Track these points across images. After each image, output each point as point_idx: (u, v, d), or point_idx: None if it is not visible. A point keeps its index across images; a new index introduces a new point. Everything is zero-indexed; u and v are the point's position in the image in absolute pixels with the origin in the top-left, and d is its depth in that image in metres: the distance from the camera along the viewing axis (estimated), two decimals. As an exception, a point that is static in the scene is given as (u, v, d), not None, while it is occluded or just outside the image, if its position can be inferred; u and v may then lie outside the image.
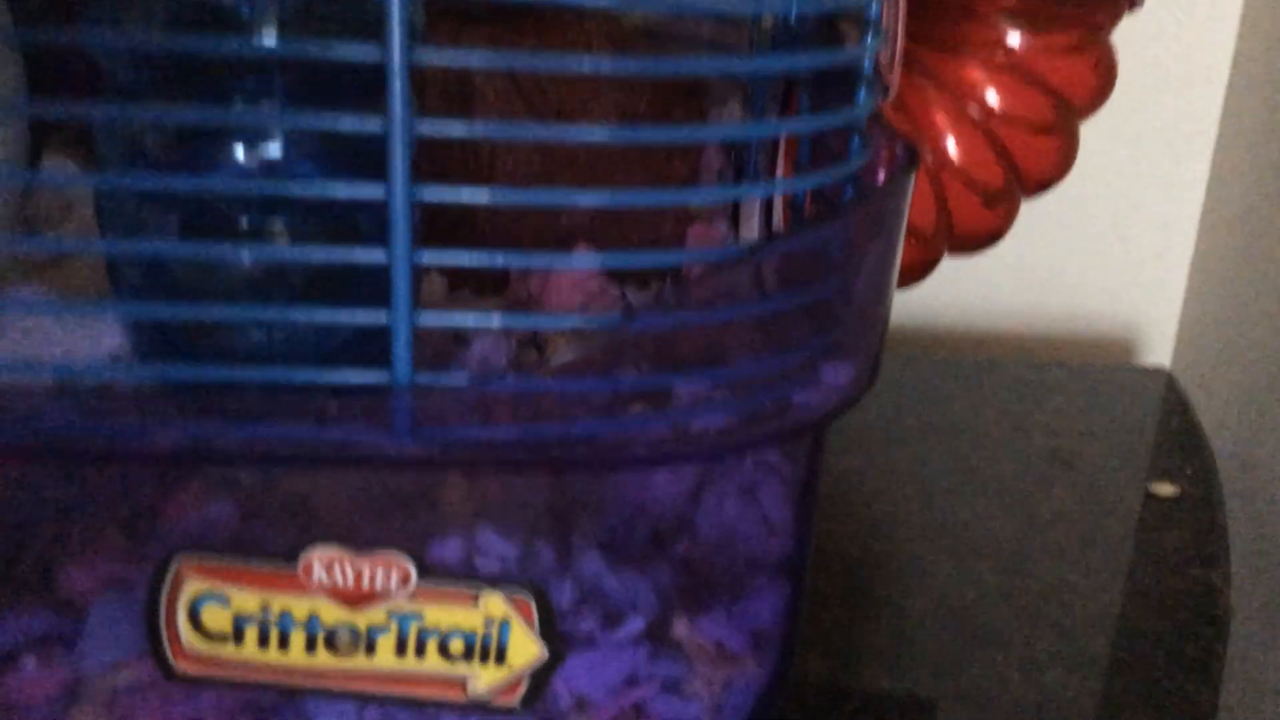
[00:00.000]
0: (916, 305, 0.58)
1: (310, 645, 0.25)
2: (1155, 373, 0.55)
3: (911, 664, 0.36)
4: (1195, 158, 0.54)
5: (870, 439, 0.48)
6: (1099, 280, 0.57)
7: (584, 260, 0.29)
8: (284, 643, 0.25)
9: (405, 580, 0.25)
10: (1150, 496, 0.45)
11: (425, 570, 0.25)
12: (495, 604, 0.25)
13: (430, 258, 0.22)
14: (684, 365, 0.25)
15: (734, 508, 0.29)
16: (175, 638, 0.25)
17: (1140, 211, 0.56)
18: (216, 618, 0.25)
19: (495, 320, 0.23)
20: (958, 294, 0.58)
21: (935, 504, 0.44)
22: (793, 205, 0.31)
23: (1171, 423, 0.51)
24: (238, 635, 0.25)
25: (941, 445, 0.48)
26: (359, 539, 0.25)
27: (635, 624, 0.26)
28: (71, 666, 0.26)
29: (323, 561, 0.25)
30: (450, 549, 0.25)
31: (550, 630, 0.26)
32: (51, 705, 0.26)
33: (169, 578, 0.25)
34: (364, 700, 0.26)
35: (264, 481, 0.25)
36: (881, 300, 0.27)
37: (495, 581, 0.25)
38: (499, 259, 0.23)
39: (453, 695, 0.26)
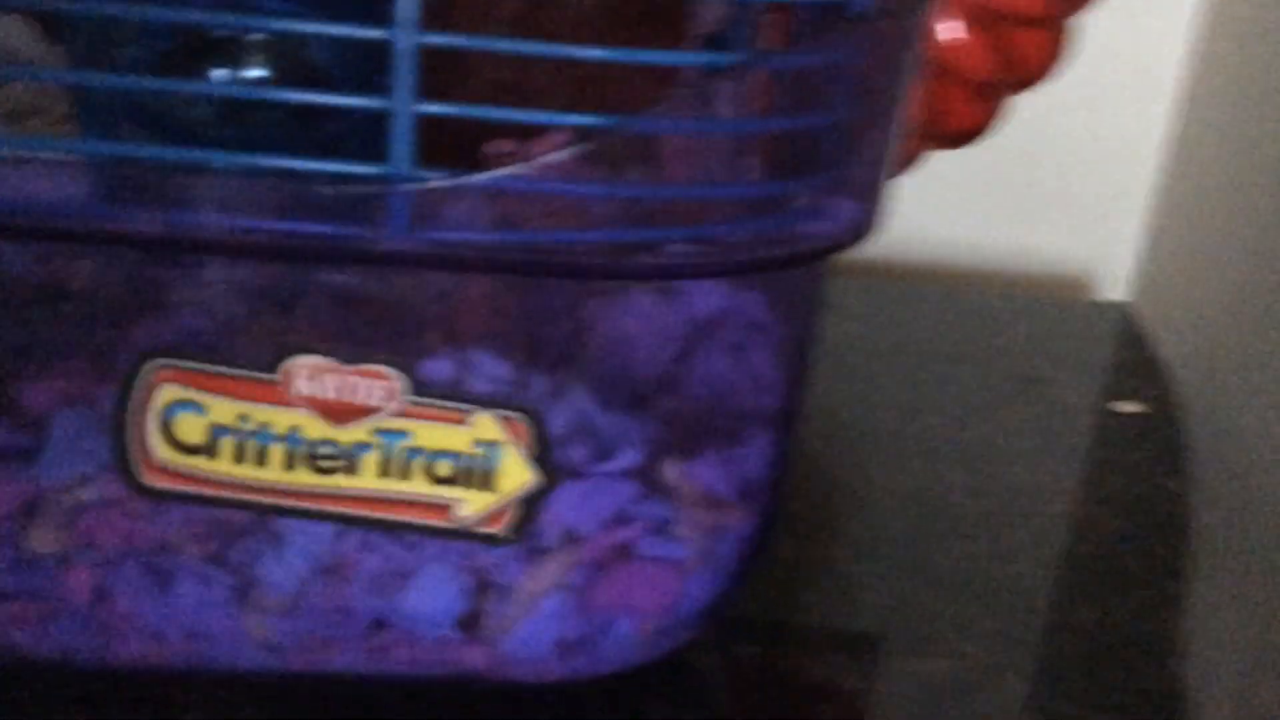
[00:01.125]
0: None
1: (289, 462, 0.24)
2: (1113, 306, 0.55)
3: (884, 552, 0.36)
4: (1157, 93, 0.55)
5: (838, 358, 0.48)
6: (1055, 217, 0.58)
7: (580, 119, 0.28)
8: (262, 458, 0.24)
9: (393, 395, 0.24)
10: (1113, 414, 0.45)
11: (414, 388, 0.24)
12: (487, 425, 0.24)
13: (430, 109, 0.21)
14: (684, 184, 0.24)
15: (722, 364, 0.28)
16: (144, 448, 0.24)
17: (1098, 149, 0.56)
18: (191, 428, 0.24)
19: (493, 113, 0.22)
20: (918, 227, 0.57)
21: (904, 415, 0.43)
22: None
23: (1131, 352, 0.51)
24: (212, 448, 0.24)
25: (906, 365, 0.47)
26: (345, 353, 0.24)
27: (627, 457, 0.26)
28: (30, 480, 0.24)
29: (306, 371, 0.23)
30: (441, 367, 0.24)
31: (543, 456, 0.25)
32: (6, 523, 0.24)
33: (140, 383, 0.23)
34: (343, 523, 0.25)
35: (246, 285, 0.23)
36: (886, 137, 0.27)
37: (488, 402, 0.24)
38: (498, 112, 0.22)
39: (437, 521, 0.25)
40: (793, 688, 0.31)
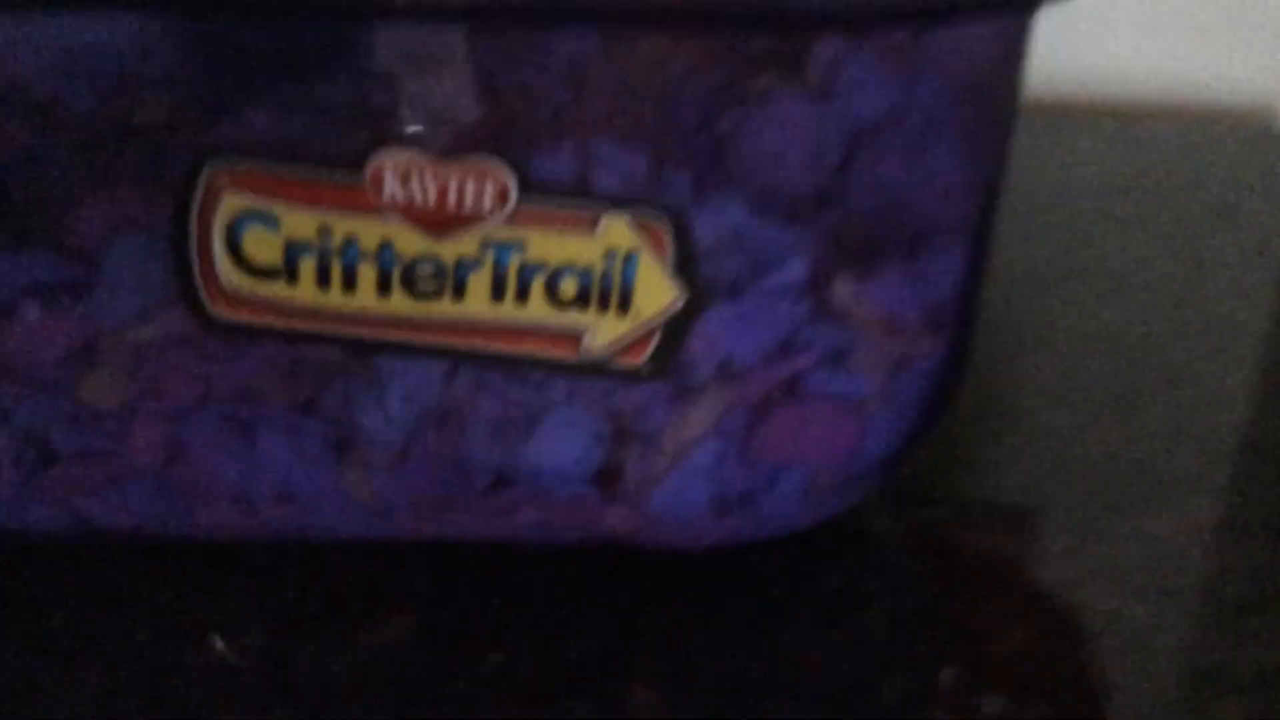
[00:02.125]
0: (1053, 73, 0.51)
1: (383, 285, 0.20)
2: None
3: (1084, 399, 0.30)
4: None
5: (1015, 199, 0.42)
6: (1237, 44, 0.51)
7: None
8: (350, 281, 0.20)
9: (503, 197, 0.19)
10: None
11: (528, 186, 0.19)
12: (619, 230, 0.20)
13: None
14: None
15: (897, 169, 0.23)
16: (211, 273, 0.20)
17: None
18: (263, 246, 0.19)
19: None
20: (1091, 60, 0.51)
21: (1090, 253, 0.38)
22: None
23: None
24: (290, 270, 0.20)
25: (1086, 201, 0.41)
26: (444, 145, 0.19)
27: (793, 269, 0.21)
28: (84, 321, 0.20)
29: (397, 170, 0.19)
30: (560, 161, 0.19)
31: (689, 268, 0.20)
32: (61, 368, 0.20)
33: (199, 192, 0.19)
34: (451, 359, 0.20)
35: (316, 57, 0.19)
36: None
37: (620, 202, 0.19)
38: None
39: (563, 353, 0.20)
40: (988, 554, 0.26)
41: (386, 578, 0.24)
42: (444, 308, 0.20)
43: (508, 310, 0.20)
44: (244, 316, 0.20)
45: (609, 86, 0.19)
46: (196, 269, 0.20)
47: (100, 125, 0.19)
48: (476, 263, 0.20)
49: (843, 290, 0.22)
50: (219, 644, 0.22)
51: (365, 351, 0.20)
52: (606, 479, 0.22)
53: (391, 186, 0.19)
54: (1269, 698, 0.22)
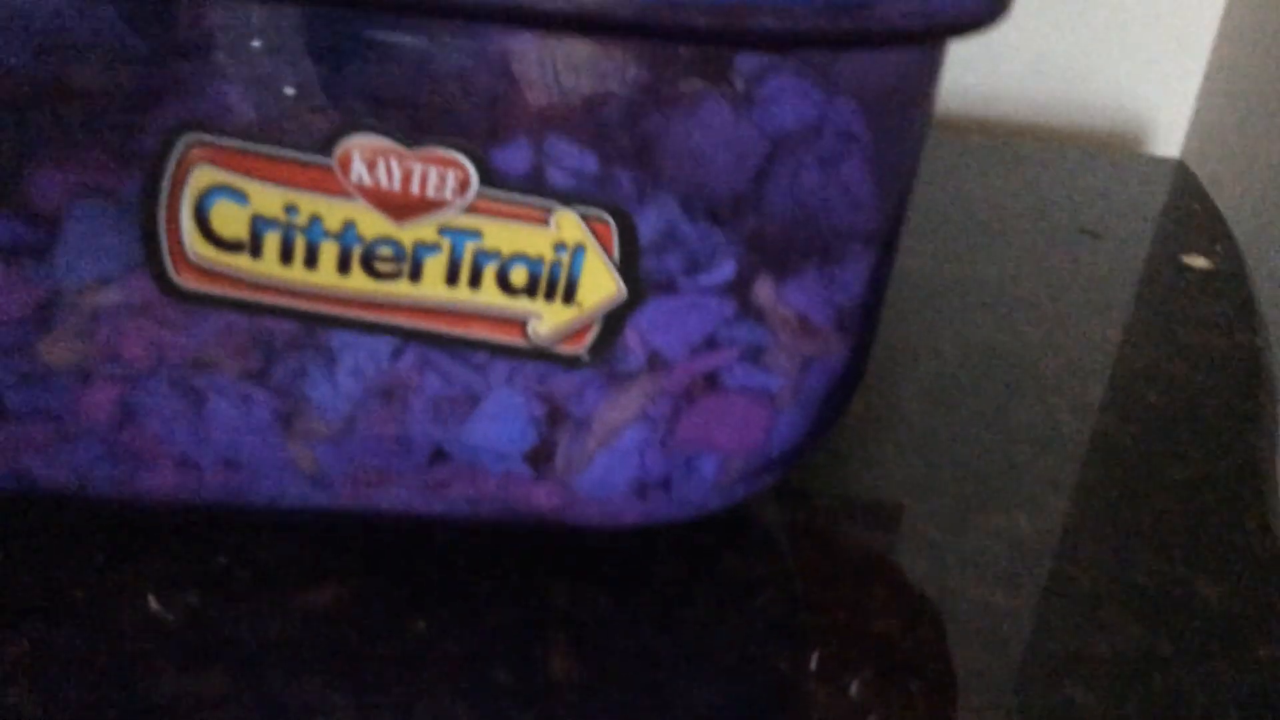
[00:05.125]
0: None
1: (344, 264, 0.21)
2: (1169, 162, 0.52)
3: (956, 404, 0.33)
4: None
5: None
6: (1110, 71, 0.54)
7: None
8: (312, 258, 0.21)
9: (464, 186, 0.21)
10: (1184, 267, 0.42)
11: (488, 179, 0.21)
12: (570, 225, 0.21)
13: None
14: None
15: (814, 179, 0.25)
16: (177, 242, 0.20)
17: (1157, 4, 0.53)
18: (230, 219, 0.20)
19: None
20: (969, 81, 0.54)
21: (965, 263, 0.40)
22: None
23: (1192, 206, 0.48)
24: (255, 244, 0.21)
25: (959, 218, 0.44)
26: (411, 134, 0.20)
27: (724, 270, 0.23)
28: (43, 280, 0.21)
29: (364, 154, 0.20)
30: (519, 156, 0.21)
31: (631, 264, 0.22)
32: (18, 329, 0.21)
33: (172, 163, 0.20)
34: (402, 338, 0.22)
35: (296, 45, 0.20)
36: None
37: (572, 198, 0.21)
38: None
39: (510, 337, 0.22)
40: (865, 545, 0.28)
41: (320, 548, 0.25)
42: (400, 289, 0.21)
43: (461, 294, 0.21)
44: (206, 286, 0.21)
45: (566, 89, 0.21)
46: (163, 237, 0.20)
47: (61, 93, 0.20)
48: (435, 248, 0.21)
49: (763, 291, 0.24)
50: (154, 604, 0.23)
51: (319, 326, 0.21)
52: (538, 458, 0.23)
53: (358, 170, 0.20)
54: (1116, 681, 0.25)
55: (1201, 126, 0.54)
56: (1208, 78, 0.54)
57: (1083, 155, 0.51)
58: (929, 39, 0.23)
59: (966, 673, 0.25)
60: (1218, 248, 0.44)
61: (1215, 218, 0.47)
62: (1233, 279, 0.42)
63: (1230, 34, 0.52)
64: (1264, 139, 0.48)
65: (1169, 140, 0.55)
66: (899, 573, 0.27)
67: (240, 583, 0.24)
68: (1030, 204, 0.46)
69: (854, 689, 0.24)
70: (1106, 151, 0.53)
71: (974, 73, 0.54)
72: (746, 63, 0.22)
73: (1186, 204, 0.48)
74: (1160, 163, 0.52)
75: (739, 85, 0.22)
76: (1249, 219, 0.47)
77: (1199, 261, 0.42)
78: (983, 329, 0.37)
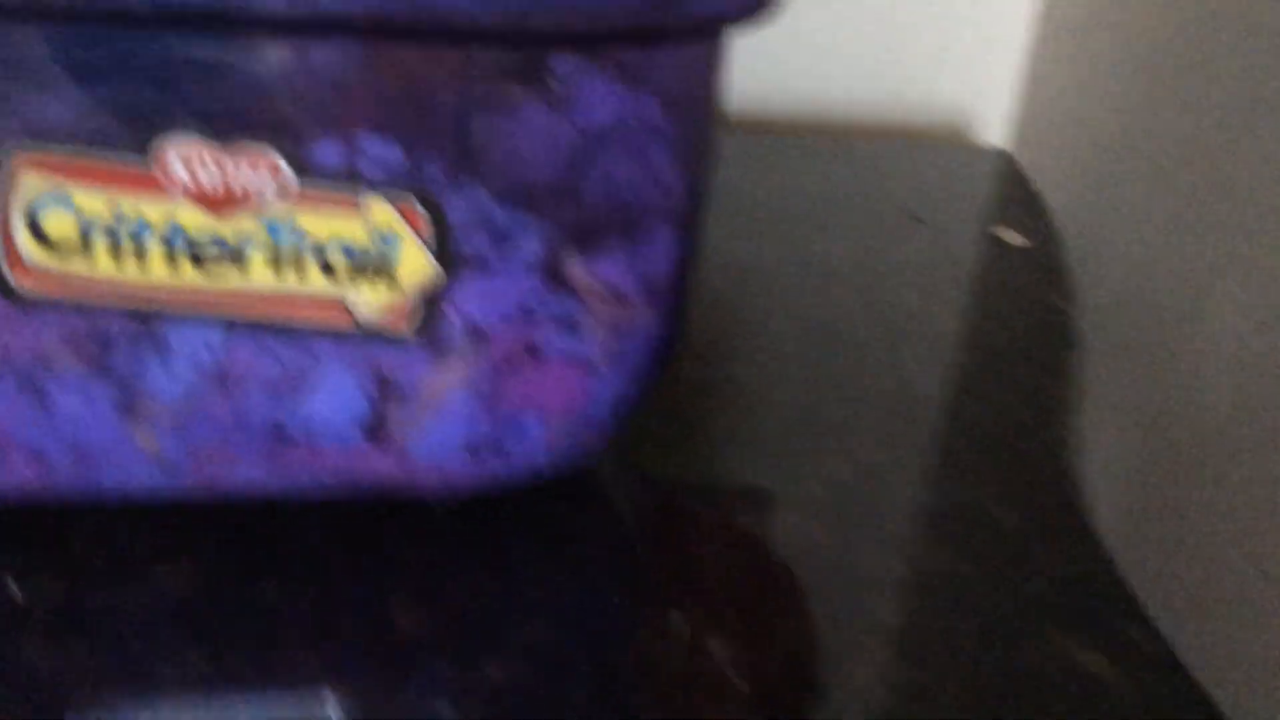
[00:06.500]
0: (753, 90, 0.57)
1: (171, 259, 0.23)
2: (992, 152, 0.55)
3: (784, 369, 0.36)
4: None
5: (726, 210, 0.47)
6: (934, 64, 0.58)
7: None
8: (141, 256, 0.23)
9: (276, 180, 0.23)
10: (1000, 243, 0.45)
11: (300, 174, 0.23)
12: (381, 211, 0.23)
13: None
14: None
15: (621, 168, 0.27)
16: (13, 249, 0.22)
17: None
18: (60, 224, 0.22)
19: None
20: (792, 79, 0.57)
21: (797, 249, 0.43)
22: None
23: (1011, 191, 0.51)
24: (85, 245, 0.22)
25: (791, 211, 0.47)
26: (222, 133, 0.22)
27: (530, 248, 0.25)
28: (-115, 293, 0.22)
29: (180, 154, 0.22)
30: (327, 150, 0.23)
31: (443, 246, 0.24)
32: None
33: (2, 174, 0.22)
34: (232, 326, 0.23)
35: (112, 55, 0.22)
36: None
37: (381, 186, 0.23)
38: None
39: (336, 319, 0.24)
40: (700, 497, 0.30)
41: (172, 529, 0.26)
42: (227, 280, 0.23)
43: (286, 282, 0.23)
44: (43, 289, 0.22)
45: (373, 89, 0.23)
46: (0, 243, 0.22)
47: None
48: (256, 239, 0.23)
49: (573, 266, 0.26)
50: (12, 585, 0.24)
51: (153, 320, 0.23)
52: (373, 429, 0.25)
53: (176, 169, 0.22)
54: (917, 599, 0.27)
55: (1023, 116, 0.58)
56: (1027, 69, 0.58)
57: (910, 148, 0.55)
58: (706, 32, 0.26)
59: (784, 599, 0.27)
60: (1037, 227, 0.48)
61: (1034, 200, 0.50)
62: (1047, 254, 0.46)
63: (1048, 24, 0.56)
64: (1080, 123, 0.51)
65: (994, 131, 0.59)
66: (728, 515, 0.30)
67: (96, 567, 0.25)
68: (860, 194, 0.49)
69: (674, 617, 0.26)
70: (933, 144, 0.56)
71: (807, 76, 0.57)
72: (560, 66, 0.24)
73: (1008, 189, 0.52)
74: (984, 152, 0.55)
75: (553, 89, 0.25)
76: (1067, 201, 0.50)
77: (1015, 237, 0.46)
78: (812, 307, 0.39)
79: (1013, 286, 0.42)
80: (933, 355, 0.37)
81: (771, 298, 0.40)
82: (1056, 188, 0.52)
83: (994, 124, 0.58)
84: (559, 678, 0.24)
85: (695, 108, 0.28)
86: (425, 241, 0.23)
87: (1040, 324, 0.40)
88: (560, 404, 0.26)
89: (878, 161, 0.53)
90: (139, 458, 0.24)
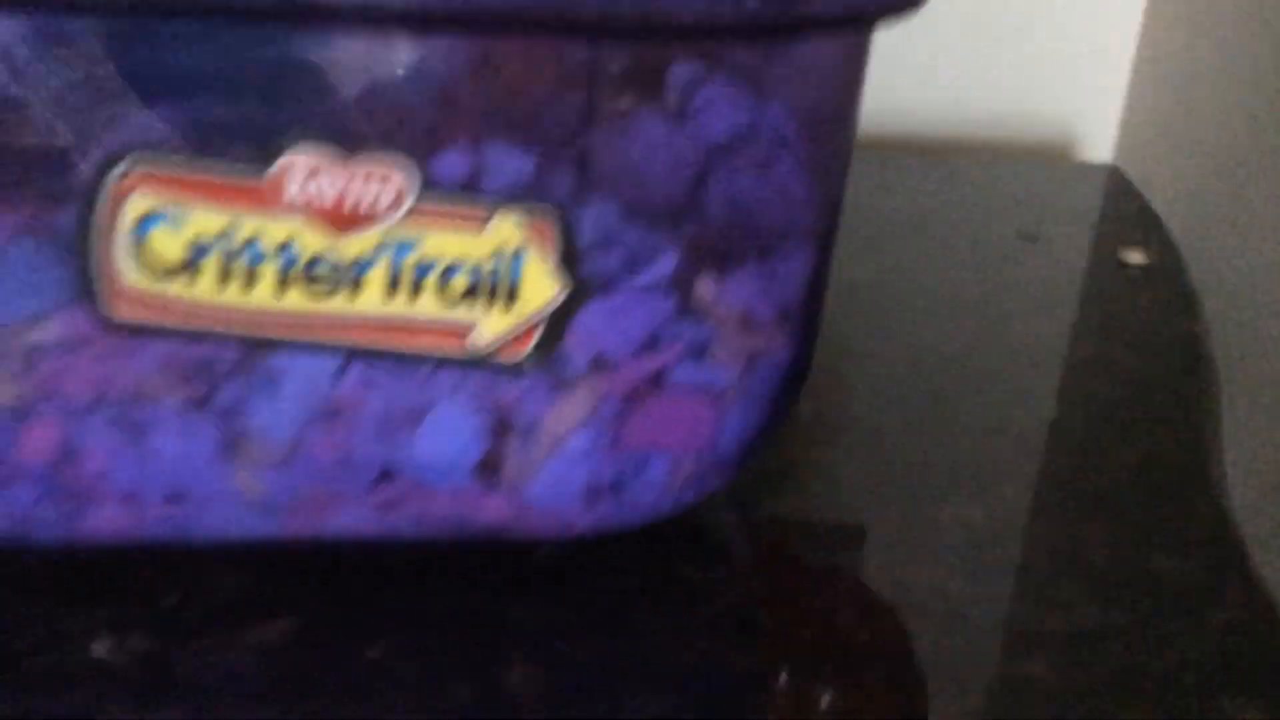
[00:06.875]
0: (873, 112, 0.55)
1: (283, 283, 0.21)
2: (1102, 168, 0.53)
3: (903, 404, 0.33)
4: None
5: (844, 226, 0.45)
6: (1038, 81, 0.56)
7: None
8: (250, 280, 0.21)
9: (402, 197, 0.21)
10: (1122, 264, 0.43)
11: (424, 187, 0.21)
12: (509, 228, 0.21)
13: None
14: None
15: (748, 183, 0.25)
16: (113, 274, 0.20)
17: (1081, 10, 0.54)
18: (168, 245, 0.20)
19: None
20: (897, 100, 0.55)
21: (907, 273, 0.41)
22: None
23: (1124, 207, 0.49)
24: (193, 269, 0.21)
25: (897, 232, 0.45)
26: (346, 147, 0.20)
27: (662, 266, 0.23)
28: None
29: (302, 170, 0.20)
30: (455, 161, 0.21)
31: (570, 265, 0.22)
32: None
33: (108, 189, 0.20)
34: (344, 356, 0.22)
35: (227, 65, 0.20)
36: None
37: (509, 200, 0.21)
38: None
39: (453, 347, 0.22)
40: (824, 540, 0.28)
41: (266, 581, 0.24)
42: (339, 305, 0.21)
43: (401, 306, 0.21)
44: (144, 316, 0.21)
45: (497, 94, 0.21)
46: (99, 269, 0.20)
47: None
48: (374, 261, 0.21)
49: (705, 287, 0.24)
50: (101, 650, 0.22)
51: (259, 349, 0.21)
52: (487, 471, 0.23)
53: (296, 186, 0.20)
54: (1070, 655, 0.25)
55: (1130, 130, 0.55)
56: (1133, 83, 0.55)
57: (1018, 166, 0.52)
58: (853, 23, 0.23)
59: (925, 659, 0.25)
60: (1154, 244, 0.45)
61: (1149, 216, 0.48)
62: (1170, 272, 0.43)
63: (1152, 38, 0.54)
64: (1191, 137, 0.49)
65: (1101, 147, 0.57)
66: (854, 570, 0.28)
67: (187, 621, 0.23)
68: (969, 215, 0.47)
69: (817, 689, 0.24)
70: (1041, 161, 0.54)
71: (908, 93, 0.55)
72: (679, 75, 0.23)
73: (1121, 205, 0.49)
74: (1093, 168, 0.53)
75: (672, 99, 0.23)
76: (1182, 215, 0.48)
77: (1136, 257, 0.43)
78: (927, 333, 0.37)
79: (1139, 308, 0.40)
80: (1068, 385, 0.35)
81: (882, 324, 0.38)
82: (1169, 203, 0.49)
83: (1100, 139, 0.56)
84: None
85: (831, 113, 0.26)
86: (552, 260, 0.22)
87: (1174, 348, 0.37)
88: (687, 440, 0.24)
89: (983, 179, 0.50)
90: (239, 499, 0.23)
